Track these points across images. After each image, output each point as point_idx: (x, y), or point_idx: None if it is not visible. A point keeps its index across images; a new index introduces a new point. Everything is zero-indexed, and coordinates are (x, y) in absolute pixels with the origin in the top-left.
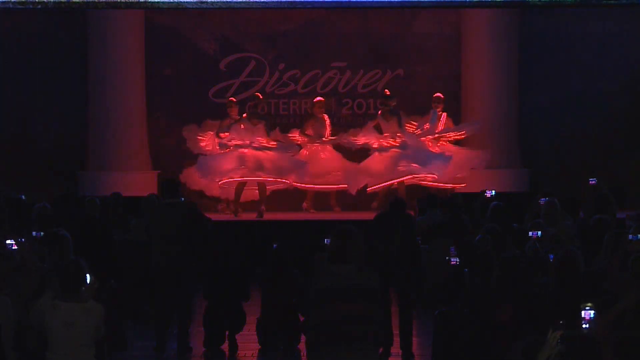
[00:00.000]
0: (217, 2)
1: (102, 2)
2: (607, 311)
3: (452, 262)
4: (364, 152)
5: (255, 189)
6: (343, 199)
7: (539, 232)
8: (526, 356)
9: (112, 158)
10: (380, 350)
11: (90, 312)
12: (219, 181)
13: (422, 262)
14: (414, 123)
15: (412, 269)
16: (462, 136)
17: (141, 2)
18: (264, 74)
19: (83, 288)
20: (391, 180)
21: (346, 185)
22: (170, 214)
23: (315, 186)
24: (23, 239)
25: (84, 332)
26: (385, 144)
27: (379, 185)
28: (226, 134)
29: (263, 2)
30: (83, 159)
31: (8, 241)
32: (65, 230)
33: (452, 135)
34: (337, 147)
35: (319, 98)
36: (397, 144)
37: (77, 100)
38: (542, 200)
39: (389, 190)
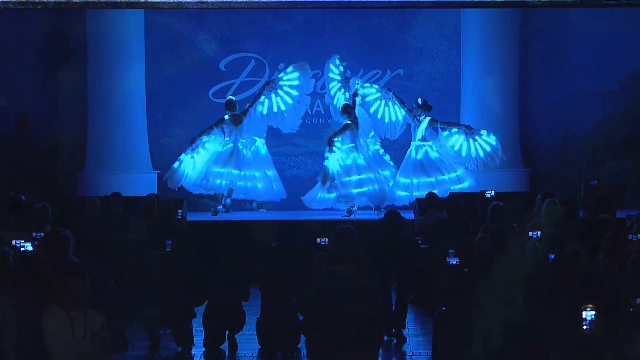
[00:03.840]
0: (217, 2)
1: (102, 2)
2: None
3: (452, 262)
4: None
5: None
6: None
7: (539, 232)
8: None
9: (111, 158)
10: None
11: None
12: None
13: (422, 262)
14: None
15: (409, 267)
16: None
17: (141, 2)
18: (264, 74)
19: None
20: None
21: None
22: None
23: None
24: (36, 243)
25: None
26: None
27: None
28: None
29: (263, 2)
30: (83, 159)
31: (21, 243)
32: (65, 230)
33: None
34: None
35: None
36: None
37: (77, 100)
38: (543, 201)
39: None
